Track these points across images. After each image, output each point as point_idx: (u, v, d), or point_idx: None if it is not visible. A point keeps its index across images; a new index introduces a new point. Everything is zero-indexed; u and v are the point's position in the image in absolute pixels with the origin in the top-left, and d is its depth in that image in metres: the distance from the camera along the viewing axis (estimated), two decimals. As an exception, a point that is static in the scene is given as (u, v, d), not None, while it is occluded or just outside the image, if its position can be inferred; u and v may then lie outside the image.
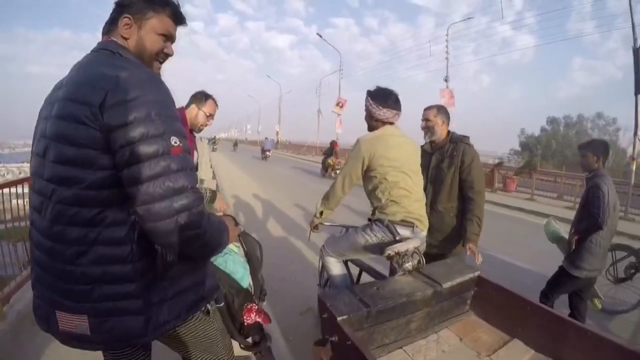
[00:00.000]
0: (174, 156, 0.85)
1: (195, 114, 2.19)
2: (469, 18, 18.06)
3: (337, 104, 21.68)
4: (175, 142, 0.86)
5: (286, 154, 31.80)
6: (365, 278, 2.26)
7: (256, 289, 1.37)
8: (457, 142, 2.32)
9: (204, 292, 1.05)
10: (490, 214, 7.62)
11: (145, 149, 0.82)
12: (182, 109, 2.20)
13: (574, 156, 32.59)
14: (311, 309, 2.96)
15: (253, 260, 1.38)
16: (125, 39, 1.01)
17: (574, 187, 10.34)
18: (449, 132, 2.41)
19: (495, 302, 1.65)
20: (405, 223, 1.83)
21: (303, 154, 29.46)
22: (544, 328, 1.45)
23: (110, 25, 1.03)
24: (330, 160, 13.55)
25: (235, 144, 36.13)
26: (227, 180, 11.61)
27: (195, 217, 0.87)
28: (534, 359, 1.43)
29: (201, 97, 2.22)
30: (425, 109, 2.44)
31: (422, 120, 2.43)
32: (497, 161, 13.03)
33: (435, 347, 1.50)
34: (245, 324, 1.23)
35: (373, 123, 1.98)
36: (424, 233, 1.90)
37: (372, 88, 2.00)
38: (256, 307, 1.27)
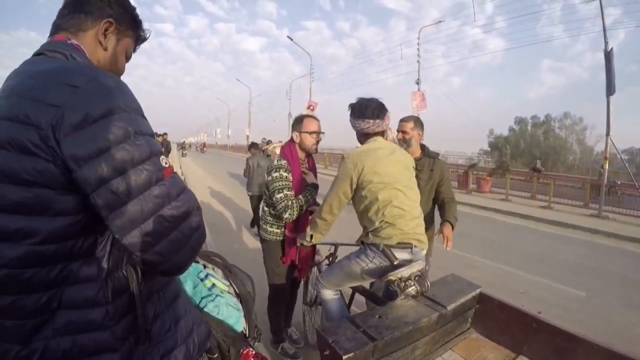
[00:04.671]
0: (170, 180, 0.69)
1: (301, 139, 2.26)
2: (440, 21, 18.61)
3: (308, 107, 21.56)
4: (166, 163, 0.70)
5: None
6: (358, 299, 2.17)
7: (251, 330, 1.24)
8: (434, 157, 2.43)
9: (194, 345, 0.89)
10: (468, 216, 7.79)
11: (135, 181, 0.64)
12: (289, 144, 2.29)
13: (542, 155, 33.75)
14: (297, 324, 2.83)
15: (246, 298, 1.25)
16: (103, 48, 0.81)
17: (547, 186, 10.44)
18: (422, 144, 2.49)
19: (498, 319, 1.60)
20: (403, 245, 1.69)
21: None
22: (552, 344, 1.41)
23: (75, 20, 0.78)
24: None
25: (184, 147, 34.18)
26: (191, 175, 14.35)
27: (202, 232, 0.76)
28: None
29: (297, 122, 2.30)
30: (402, 121, 2.48)
31: (398, 131, 2.45)
32: (468, 162, 13.23)
33: (442, 372, 1.42)
34: (243, 372, 1.11)
35: (361, 138, 1.91)
36: (424, 252, 1.78)
37: (353, 101, 1.90)
38: (253, 352, 1.15)
